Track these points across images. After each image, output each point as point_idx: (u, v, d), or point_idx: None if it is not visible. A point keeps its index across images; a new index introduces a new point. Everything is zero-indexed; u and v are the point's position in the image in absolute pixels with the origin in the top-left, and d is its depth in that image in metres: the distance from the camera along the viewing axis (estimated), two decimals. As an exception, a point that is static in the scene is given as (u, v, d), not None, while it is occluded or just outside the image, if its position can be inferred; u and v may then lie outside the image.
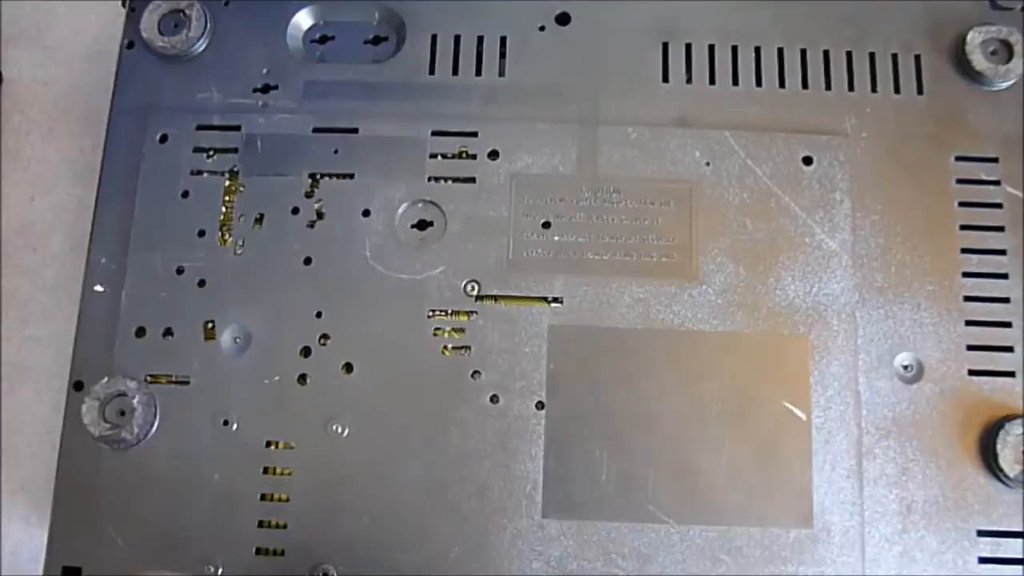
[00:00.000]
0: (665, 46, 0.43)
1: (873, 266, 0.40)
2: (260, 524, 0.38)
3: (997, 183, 0.41)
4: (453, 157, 0.41)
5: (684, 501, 0.37)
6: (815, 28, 0.43)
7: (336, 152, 0.42)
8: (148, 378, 0.39)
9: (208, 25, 0.43)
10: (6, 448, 0.47)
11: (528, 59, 0.43)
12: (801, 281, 0.40)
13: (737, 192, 0.41)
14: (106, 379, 0.39)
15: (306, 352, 0.39)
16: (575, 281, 0.40)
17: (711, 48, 0.43)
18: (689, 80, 0.42)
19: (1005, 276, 0.40)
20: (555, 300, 0.40)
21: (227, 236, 0.41)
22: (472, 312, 0.39)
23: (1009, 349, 0.39)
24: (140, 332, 0.40)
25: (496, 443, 0.38)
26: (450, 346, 0.39)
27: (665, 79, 0.42)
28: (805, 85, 0.42)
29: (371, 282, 0.40)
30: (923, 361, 0.39)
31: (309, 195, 0.41)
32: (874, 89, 0.42)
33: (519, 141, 0.41)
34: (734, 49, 0.43)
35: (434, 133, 0.42)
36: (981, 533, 0.37)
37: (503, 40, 0.43)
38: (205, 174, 0.42)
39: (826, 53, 0.42)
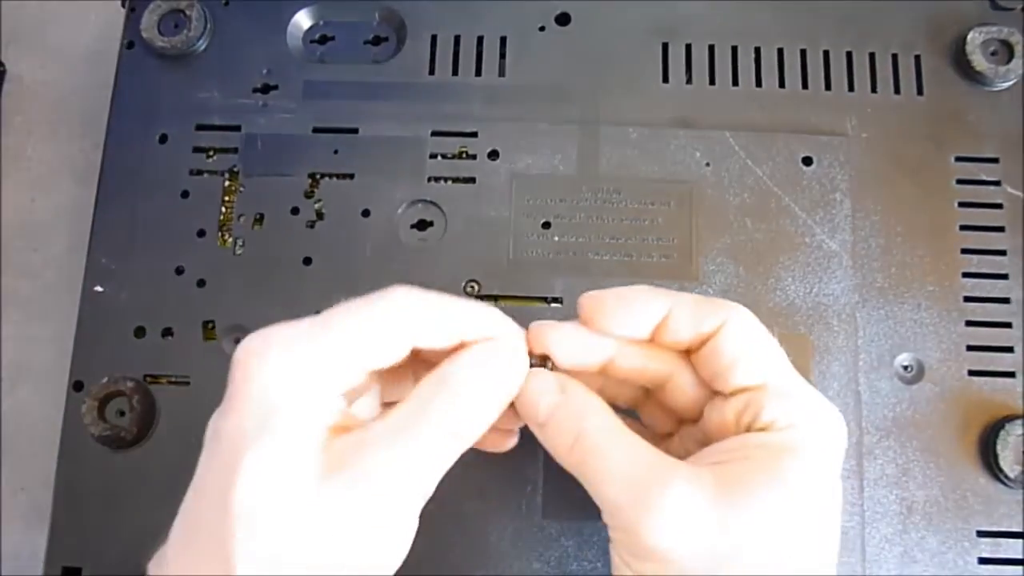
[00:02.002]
0: (665, 46, 0.43)
1: (873, 266, 0.40)
2: (260, 524, 0.38)
3: (997, 183, 0.41)
4: (453, 157, 0.41)
5: (684, 501, 0.37)
6: (815, 28, 0.43)
7: (336, 152, 0.42)
8: (148, 378, 0.39)
9: (208, 25, 0.43)
10: (6, 448, 0.47)
11: (528, 59, 0.43)
12: (801, 281, 0.40)
13: (737, 192, 0.41)
14: (106, 379, 0.39)
15: (306, 352, 0.39)
16: (575, 281, 0.40)
17: (711, 48, 0.43)
18: (689, 80, 0.42)
19: (1005, 276, 0.40)
20: (555, 300, 0.39)
21: (227, 236, 0.41)
22: (472, 312, 0.39)
23: (1009, 349, 0.39)
24: (140, 332, 0.40)
25: (496, 443, 0.38)
26: (450, 346, 0.39)
27: (665, 79, 0.42)
28: (805, 85, 0.42)
29: (371, 282, 0.40)
30: (923, 361, 0.39)
31: (309, 195, 0.41)
32: (874, 89, 0.42)
33: (519, 141, 0.41)
34: (734, 49, 0.43)
35: (434, 133, 0.42)
36: (981, 534, 0.37)
37: (503, 40, 0.43)
38: (205, 174, 0.42)
39: (826, 53, 0.42)
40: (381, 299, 0.28)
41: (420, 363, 0.30)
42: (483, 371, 0.28)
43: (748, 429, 0.28)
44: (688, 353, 0.30)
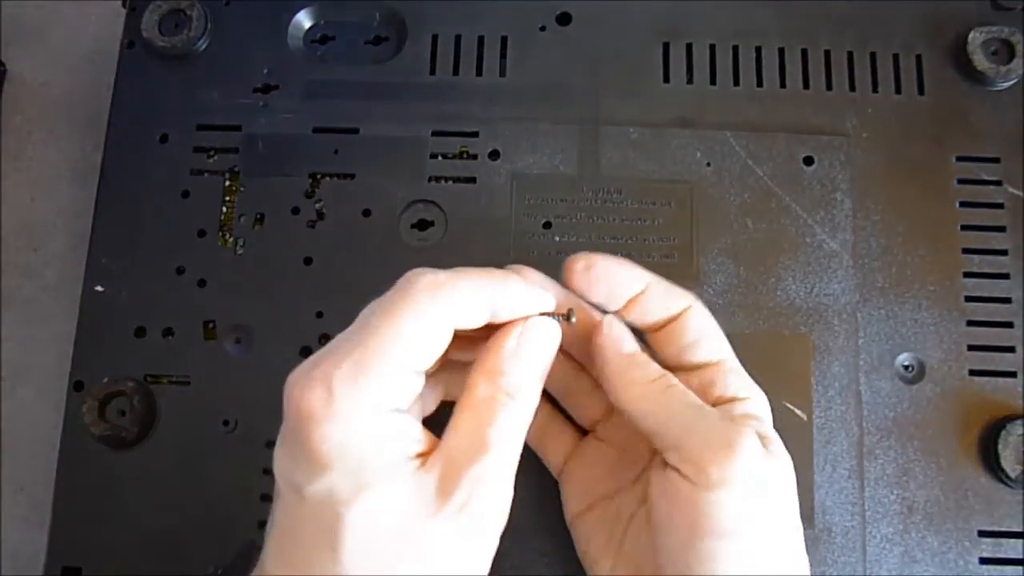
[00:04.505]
0: (666, 46, 0.43)
1: (874, 266, 0.40)
2: (260, 524, 0.37)
3: (998, 183, 0.41)
4: (453, 157, 0.41)
5: (685, 501, 0.37)
6: (816, 28, 0.43)
7: (336, 152, 0.42)
8: (148, 378, 0.39)
9: (208, 25, 0.43)
10: (6, 448, 0.47)
11: (529, 59, 0.43)
12: (802, 281, 0.40)
13: (738, 192, 0.41)
14: (106, 379, 0.39)
15: (306, 352, 0.39)
16: (576, 281, 0.39)
17: (712, 48, 0.43)
18: (690, 80, 0.42)
19: (1006, 276, 0.40)
20: (556, 300, 0.39)
21: (227, 236, 0.41)
22: (472, 312, 0.39)
23: (1010, 349, 0.39)
24: (140, 332, 0.40)
25: (496, 443, 0.38)
26: (450, 346, 0.39)
27: (666, 79, 0.42)
28: (806, 85, 0.42)
29: (371, 282, 0.40)
30: (924, 361, 0.39)
31: (309, 195, 0.41)
32: (875, 89, 0.42)
33: (520, 141, 0.41)
34: (735, 49, 0.43)
35: (434, 133, 0.42)
36: (982, 533, 0.37)
37: (504, 40, 0.43)
38: (205, 174, 0.42)
39: (827, 53, 0.42)
40: (408, 291, 0.28)
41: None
42: (529, 365, 0.30)
43: (714, 402, 0.32)
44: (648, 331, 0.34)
